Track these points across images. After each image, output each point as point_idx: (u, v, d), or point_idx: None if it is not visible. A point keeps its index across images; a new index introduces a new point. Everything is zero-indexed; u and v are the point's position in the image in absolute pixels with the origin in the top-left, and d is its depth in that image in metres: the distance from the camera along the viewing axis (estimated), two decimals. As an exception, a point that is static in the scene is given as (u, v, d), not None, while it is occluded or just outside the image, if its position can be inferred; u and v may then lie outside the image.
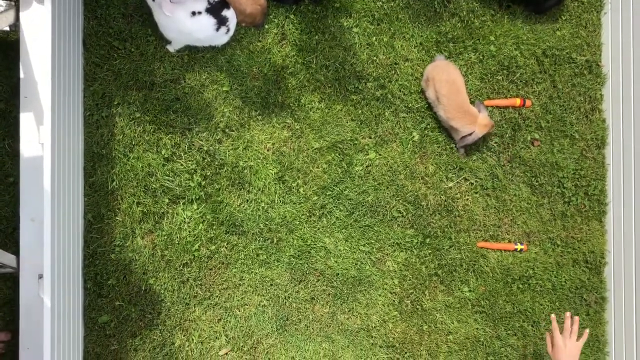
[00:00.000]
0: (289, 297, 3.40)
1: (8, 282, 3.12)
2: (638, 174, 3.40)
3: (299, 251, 3.40)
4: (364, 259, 3.46)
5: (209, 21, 3.12)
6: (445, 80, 3.34)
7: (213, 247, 3.33)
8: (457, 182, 3.54)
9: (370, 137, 3.48)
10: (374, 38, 3.48)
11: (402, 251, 3.48)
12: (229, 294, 3.35)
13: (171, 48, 3.28)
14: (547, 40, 3.61)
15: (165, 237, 3.29)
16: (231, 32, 3.26)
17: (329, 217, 3.44)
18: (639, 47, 3.38)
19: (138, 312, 3.27)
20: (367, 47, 3.47)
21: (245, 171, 3.36)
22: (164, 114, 3.30)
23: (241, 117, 3.37)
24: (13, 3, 2.91)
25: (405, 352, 3.47)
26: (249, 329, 3.37)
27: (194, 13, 3.07)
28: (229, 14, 3.18)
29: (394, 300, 3.47)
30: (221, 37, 3.23)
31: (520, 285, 3.57)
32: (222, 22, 3.16)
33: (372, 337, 3.46)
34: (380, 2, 3.47)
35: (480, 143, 3.54)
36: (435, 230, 3.51)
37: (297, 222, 3.40)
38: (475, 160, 3.55)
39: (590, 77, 3.68)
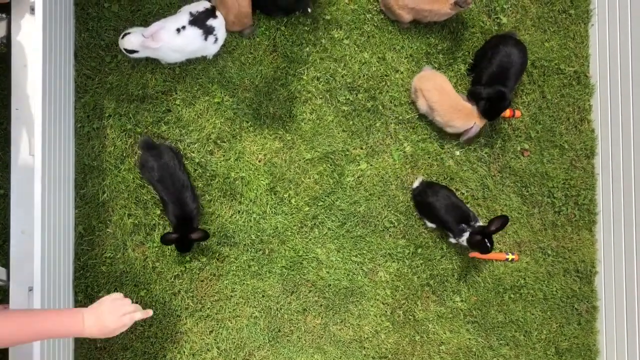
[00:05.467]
0: (280, 309, 3.39)
1: (-2, 295, 3.10)
2: (627, 184, 3.44)
3: (290, 262, 3.40)
4: (356, 269, 3.46)
5: (195, 33, 3.14)
6: (434, 88, 3.37)
7: (204, 259, 3.33)
8: (448, 193, 3.55)
9: (361, 148, 3.49)
10: (365, 50, 3.50)
11: (394, 261, 3.49)
12: (220, 305, 3.34)
13: (163, 61, 3.30)
14: (536, 51, 3.65)
15: (157, 249, 3.28)
16: (220, 42, 3.27)
17: (320, 227, 3.44)
18: (625, 58, 3.43)
19: (129, 324, 3.26)
20: (358, 59, 3.50)
21: (237, 182, 3.36)
22: (156, 126, 3.30)
23: (233, 128, 3.38)
24: (4, 15, 2.92)
25: (398, 363, 3.47)
26: (240, 340, 3.35)
27: (178, 30, 3.10)
28: (215, 23, 3.20)
29: (386, 311, 3.47)
30: (210, 47, 3.25)
31: (512, 295, 3.58)
32: (208, 31, 3.18)
33: (364, 348, 3.45)
34: (371, 15, 3.50)
35: (470, 154, 3.57)
36: (426, 240, 3.52)
37: (289, 233, 3.40)
38: (465, 171, 3.57)
39: (579, 87, 3.72)
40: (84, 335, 1.91)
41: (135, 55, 3.17)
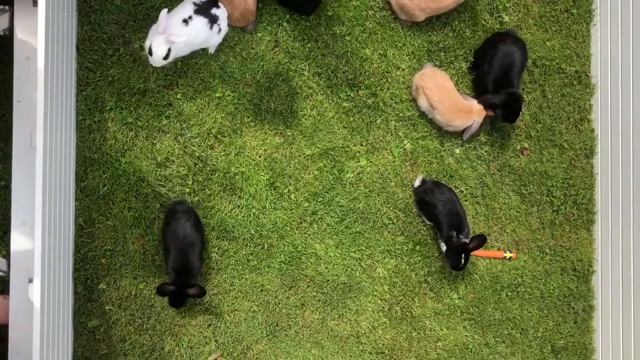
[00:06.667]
0: (279, 303, 3.41)
1: (-2, 285, 3.12)
2: (626, 184, 3.44)
3: (289, 257, 3.41)
4: (354, 265, 3.47)
5: (201, 21, 3.13)
6: (435, 87, 3.37)
7: (203, 253, 3.34)
8: (447, 190, 3.56)
9: (361, 145, 3.50)
10: (366, 46, 3.51)
11: (392, 258, 3.50)
12: (219, 299, 3.36)
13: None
14: (537, 50, 3.65)
15: (156, 242, 3.29)
16: (223, 32, 3.27)
17: (319, 223, 3.45)
18: (627, 58, 3.43)
19: (128, 316, 3.28)
20: (359, 56, 3.50)
21: (237, 177, 3.38)
22: (157, 120, 3.31)
23: (233, 123, 3.39)
24: (7, 8, 2.92)
25: (395, 359, 3.48)
26: (238, 334, 3.37)
27: (185, 21, 3.09)
28: (219, 12, 3.20)
29: (383, 307, 3.49)
30: (214, 37, 3.25)
31: (509, 293, 3.60)
32: (213, 20, 3.18)
33: (361, 343, 3.47)
34: (373, 11, 3.50)
35: (470, 152, 3.57)
36: (425, 237, 3.54)
37: (288, 228, 3.42)
38: (465, 169, 3.58)
39: (580, 87, 3.72)
40: None
41: (170, 59, 3.09)
